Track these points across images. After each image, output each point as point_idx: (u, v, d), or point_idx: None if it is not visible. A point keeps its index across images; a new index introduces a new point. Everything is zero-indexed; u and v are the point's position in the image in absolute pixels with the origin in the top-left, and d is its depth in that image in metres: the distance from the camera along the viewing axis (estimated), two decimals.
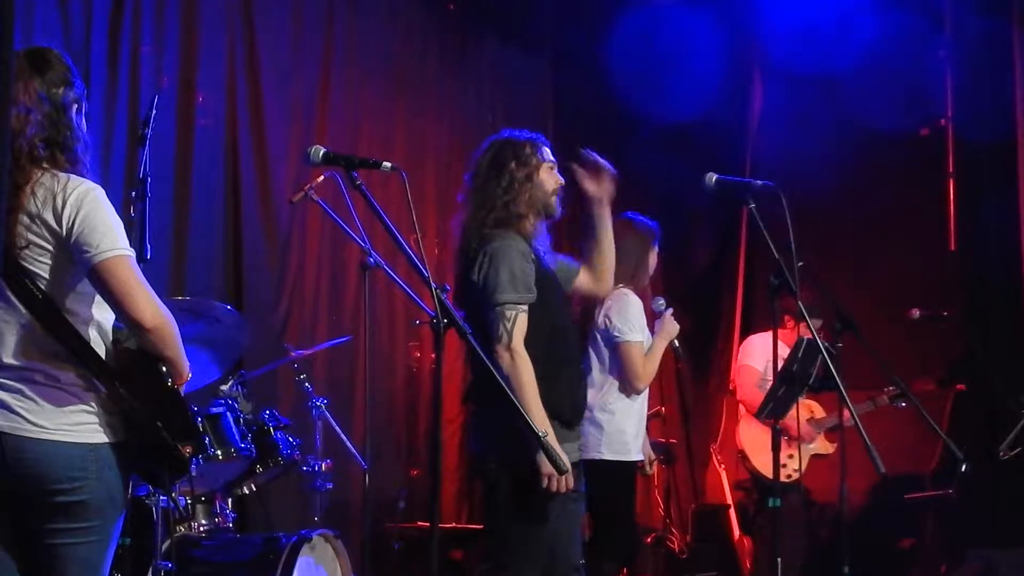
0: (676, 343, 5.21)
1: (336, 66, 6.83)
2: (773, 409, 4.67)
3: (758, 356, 6.41)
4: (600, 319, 5.05)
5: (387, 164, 3.27)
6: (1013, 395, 6.08)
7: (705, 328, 8.73)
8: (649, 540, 7.00)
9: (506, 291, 3.68)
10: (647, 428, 6.44)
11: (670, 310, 5.16)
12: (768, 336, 6.24)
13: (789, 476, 6.09)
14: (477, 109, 7.70)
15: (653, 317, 5.19)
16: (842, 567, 4.36)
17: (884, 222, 7.67)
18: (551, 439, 3.51)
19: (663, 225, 8.60)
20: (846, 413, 5.79)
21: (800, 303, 4.06)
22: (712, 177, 4.08)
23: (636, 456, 5.09)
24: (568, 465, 3.53)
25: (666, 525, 7.12)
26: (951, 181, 7.69)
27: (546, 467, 3.57)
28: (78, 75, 2.95)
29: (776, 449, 4.18)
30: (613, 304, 5.03)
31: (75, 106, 2.91)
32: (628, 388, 5.02)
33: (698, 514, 7.60)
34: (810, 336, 4.54)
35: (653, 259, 5.27)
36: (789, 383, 4.65)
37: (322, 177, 4.48)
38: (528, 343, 3.73)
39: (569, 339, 3.92)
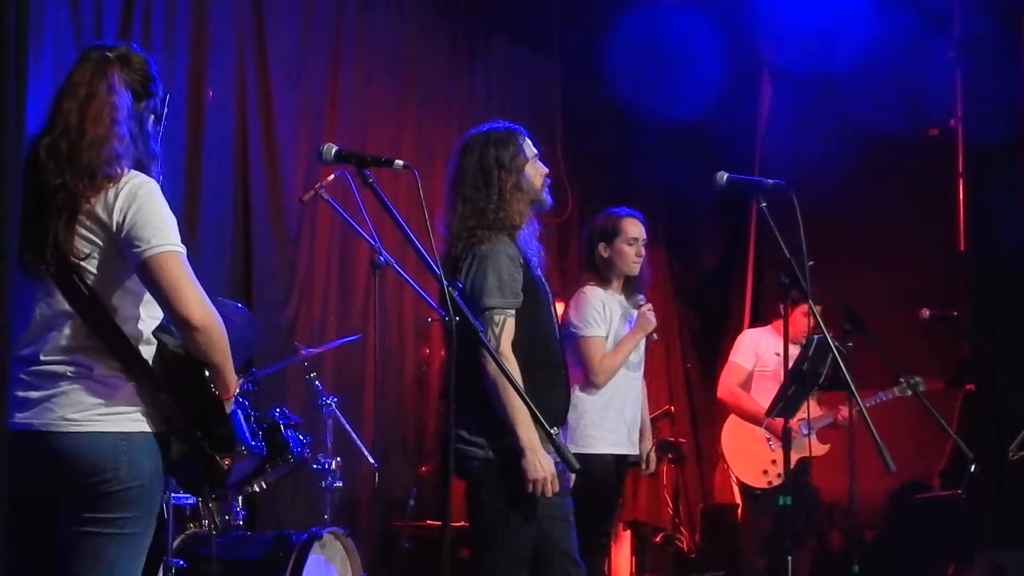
0: (655, 335, 5.23)
1: (346, 65, 6.83)
2: (783, 409, 4.66)
3: (746, 353, 6.15)
4: (562, 318, 5.14)
5: (399, 162, 3.25)
6: (1022, 395, 6.08)
7: (713, 328, 8.74)
8: (658, 539, 7.01)
9: (493, 296, 3.65)
10: (656, 427, 6.46)
11: (649, 304, 5.19)
12: (761, 332, 6.24)
13: (770, 483, 5.87)
14: (486, 109, 7.69)
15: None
16: (852, 567, 4.37)
17: (893, 223, 7.67)
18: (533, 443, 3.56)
19: (669, 225, 8.69)
20: (843, 412, 5.81)
21: (811, 303, 4.04)
22: (723, 176, 4.06)
23: (603, 449, 5.06)
24: (577, 464, 3.55)
25: (675, 524, 7.13)
26: (960, 182, 7.69)
27: (531, 472, 3.57)
28: (160, 80, 2.89)
29: (787, 449, 4.17)
30: (573, 302, 5.20)
31: (151, 117, 2.87)
32: (587, 382, 5.07)
33: (707, 513, 7.61)
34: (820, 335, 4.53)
35: (621, 252, 5.17)
36: (800, 382, 4.63)
37: (332, 176, 4.48)
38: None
39: (549, 346, 3.84)
